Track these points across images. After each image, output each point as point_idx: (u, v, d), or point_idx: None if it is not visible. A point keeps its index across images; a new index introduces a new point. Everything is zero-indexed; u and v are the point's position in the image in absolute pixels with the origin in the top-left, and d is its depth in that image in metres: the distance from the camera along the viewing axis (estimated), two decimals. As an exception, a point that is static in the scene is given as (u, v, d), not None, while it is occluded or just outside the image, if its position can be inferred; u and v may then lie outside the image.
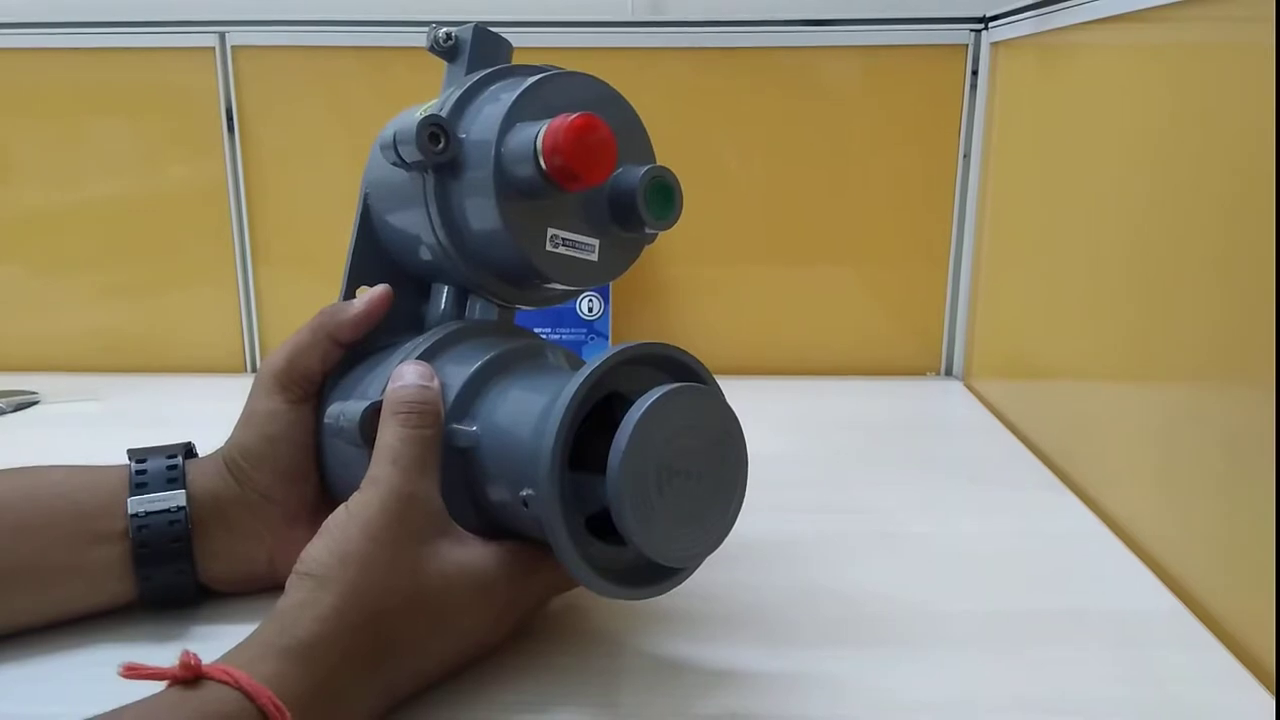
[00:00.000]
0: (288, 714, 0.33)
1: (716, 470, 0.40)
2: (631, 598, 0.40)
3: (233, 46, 0.87)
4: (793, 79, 0.87)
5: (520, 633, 0.44)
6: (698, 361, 0.42)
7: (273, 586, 0.44)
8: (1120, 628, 0.47)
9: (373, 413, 0.42)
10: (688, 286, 0.92)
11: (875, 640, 0.46)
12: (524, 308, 0.51)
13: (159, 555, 0.44)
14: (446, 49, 0.49)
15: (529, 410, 0.40)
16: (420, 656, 0.39)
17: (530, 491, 0.39)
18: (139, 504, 0.44)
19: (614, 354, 0.39)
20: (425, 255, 0.49)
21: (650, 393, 0.37)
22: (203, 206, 0.91)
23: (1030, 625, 0.47)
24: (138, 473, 0.46)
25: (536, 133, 0.42)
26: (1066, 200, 0.68)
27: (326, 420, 0.44)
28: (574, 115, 0.42)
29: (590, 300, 0.88)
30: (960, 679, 0.42)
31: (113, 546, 0.44)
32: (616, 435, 0.36)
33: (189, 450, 0.48)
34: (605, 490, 0.36)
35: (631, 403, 0.37)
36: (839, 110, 0.87)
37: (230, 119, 0.88)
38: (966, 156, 0.87)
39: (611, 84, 0.48)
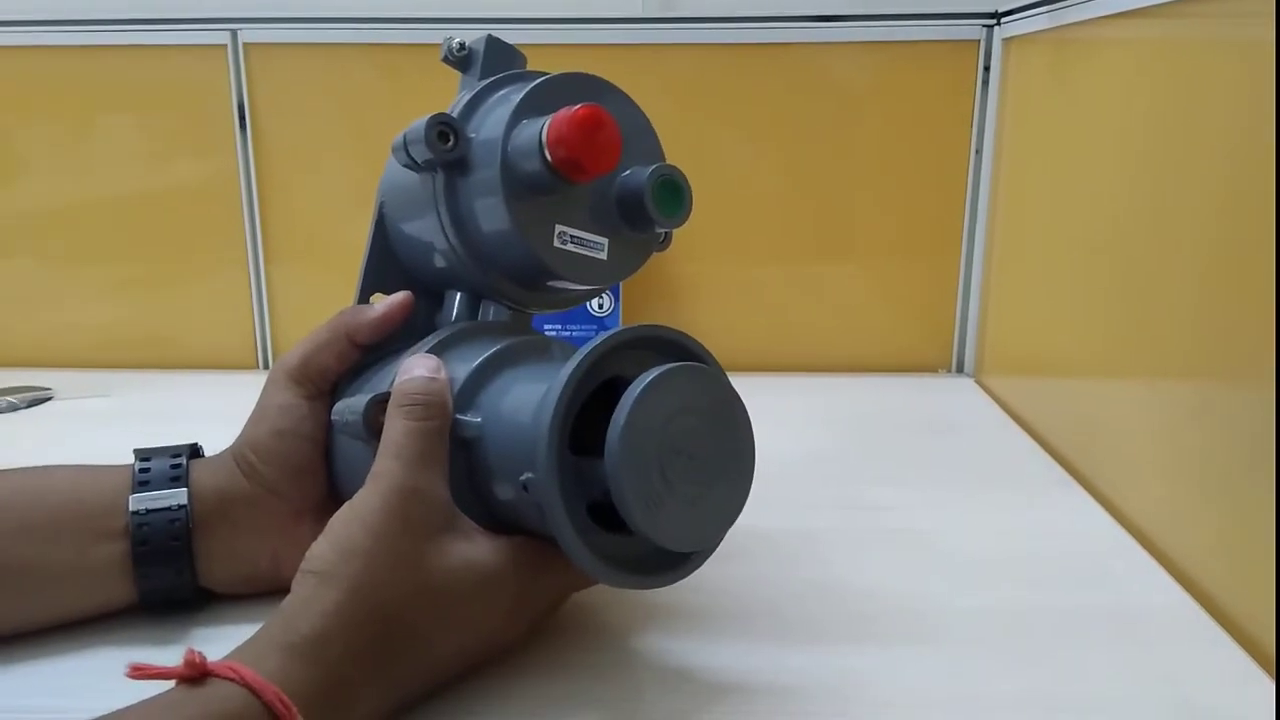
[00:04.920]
0: (294, 710, 0.33)
1: (721, 452, 0.39)
2: (639, 586, 0.40)
3: (245, 43, 0.87)
4: (804, 75, 0.86)
5: (535, 632, 0.43)
6: (700, 345, 0.42)
7: (274, 589, 0.44)
8: (1132, 624, 0.46)
9: (377, 404, 0.42)
10: (698, 283, 0.92)
11: (886, 636, 0.46)
12: (538, 311, 0.51)
13: (158, 554, 0.44)
14: (460, 59, 0.50)
15: (531, 397, 0.40)
16: (428, 652, 0.39)
17: (530, 475, 0.38)
18: (140, 501, 0.44)
19: (613, 336, 0.39)
20: (439, 262, 0.49)
21: (648, 372, 0.37)
22: (215, 203, 0.91)
23: (1042, 622, 0.47)
24: (141, 471, 0.46)
25: (541, 126, 0.42)
26: (1079, 196, 0.67)
27: (333, 416, 0.44)
28: (577, 106, 0.42)
29: (600, 297, 0.88)
30: (972, 675, 0.42)
31: (115, 545, 0.44)
32: (614, 413, 0.36)
33: (195, 451, 0.48)
34: (605, 471, 0.36)
35: None
36: (850, 107, 0.87)
37: (242, 116, 0.89)
38: (978, 153, 0.87)
39: (622, 80, 0.47)
